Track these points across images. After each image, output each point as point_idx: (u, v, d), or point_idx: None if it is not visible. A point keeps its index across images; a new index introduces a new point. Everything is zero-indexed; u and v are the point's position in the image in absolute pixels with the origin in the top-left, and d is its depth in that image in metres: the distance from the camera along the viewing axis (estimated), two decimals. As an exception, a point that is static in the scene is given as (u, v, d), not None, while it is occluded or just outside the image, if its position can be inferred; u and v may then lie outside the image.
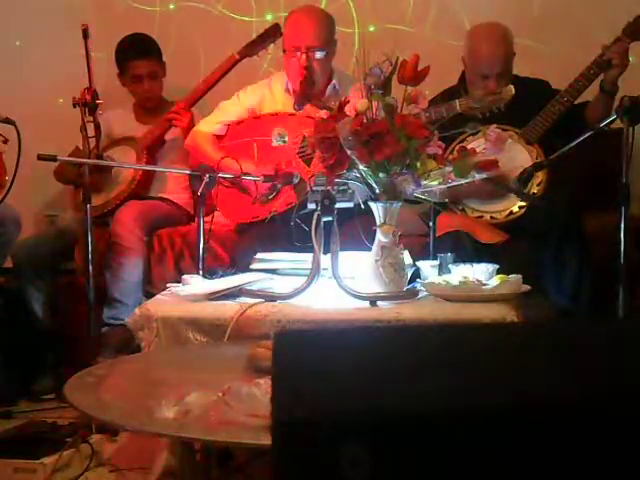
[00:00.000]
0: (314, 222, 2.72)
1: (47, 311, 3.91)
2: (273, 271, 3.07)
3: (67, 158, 3.85)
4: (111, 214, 3.90)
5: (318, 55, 3.63)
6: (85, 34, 3.44)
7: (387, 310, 2.67)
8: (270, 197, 3.54)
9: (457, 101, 3.25)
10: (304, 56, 3.61)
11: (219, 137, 3.79)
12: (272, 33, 3.96)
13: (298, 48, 3.62)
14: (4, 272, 3.94)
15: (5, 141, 3.28)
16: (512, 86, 3.14)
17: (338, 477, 0.86)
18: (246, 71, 4.10)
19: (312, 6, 3.76)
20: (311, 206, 2.76)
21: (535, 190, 3.41)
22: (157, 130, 4.09)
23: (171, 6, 4.57)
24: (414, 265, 2.97)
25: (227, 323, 2.65)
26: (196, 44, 4.48)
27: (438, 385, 0.93)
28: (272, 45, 3.98)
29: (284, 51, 3.67)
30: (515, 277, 2.81)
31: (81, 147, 4.02)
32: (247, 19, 4.37)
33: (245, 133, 3.71)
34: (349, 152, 2.64)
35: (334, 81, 3.70)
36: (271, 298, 2.76)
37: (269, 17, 4.29)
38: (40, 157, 3.38)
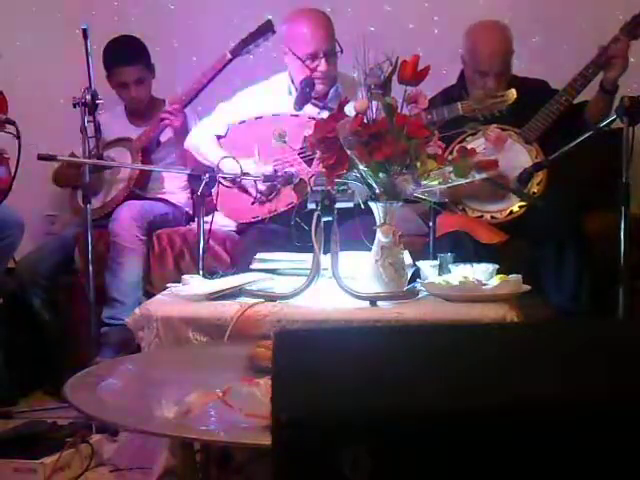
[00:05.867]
0: (314, 222, 2.72)
1: (47, 311, 3.92)
2: (273, 271, 3.07)
3: (67, 158, 3.85)
4: (109, 216, 3.91)
5: (334, 59, 3.63)
6: (85, 34, 3.44)
7: (387, 310, 2.67)
8: (270, 197, 3.55)
9: (459, 103, 3.25)
10: (323, 61, 3.60)
11: (219, 137, 3.79)
12: (265, 30, 3.95)
13: (316, 54, 3.61)
14: (6, 273, 3.94)
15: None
16: (514, 89, 3.15)
17: (338, 477, 0.86)
18: (245, 71, 4.10)
19: (315, 9, 3.74)
20: (311, 206, 2.76)
21: (535, 190, 3.41)
22: (151, 131, 4.09)
23: (172, 6, 4.57)
24: (414, 265, 2.97)
25: (227, 323, 2.65)
26: (191, 42, 4.48)
27: (438, 385, 0.93)
28: (265, 43, 3.97)
29: (299, 58, 3.63)
30: (515, 277, 2.81)
31: (77, 153, 4.04)
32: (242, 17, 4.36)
33: (246, 133, 3.71)
34: (349, 152, 2.64)
35: (337, 83, 3.70)
36: (271, 298, 2.76)
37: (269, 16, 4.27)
38: (40, 157, 3.38)
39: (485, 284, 2.79)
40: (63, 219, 4.43)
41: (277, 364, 1.00)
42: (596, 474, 0.91)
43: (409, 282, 2.85)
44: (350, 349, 1.04)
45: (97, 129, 3.58)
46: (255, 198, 3.58)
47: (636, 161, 3.23)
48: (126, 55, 4.10)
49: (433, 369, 0.98)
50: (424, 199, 2.83)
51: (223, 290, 2.81)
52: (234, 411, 1.85)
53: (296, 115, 3.58)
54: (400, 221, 2.80)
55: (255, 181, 3.52)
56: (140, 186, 4.07)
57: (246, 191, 3.61)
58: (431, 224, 3.31)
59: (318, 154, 2.76)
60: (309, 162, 3.46)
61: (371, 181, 2.71)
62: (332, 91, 3.69)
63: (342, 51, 3.60)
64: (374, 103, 2.69)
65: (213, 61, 4.03)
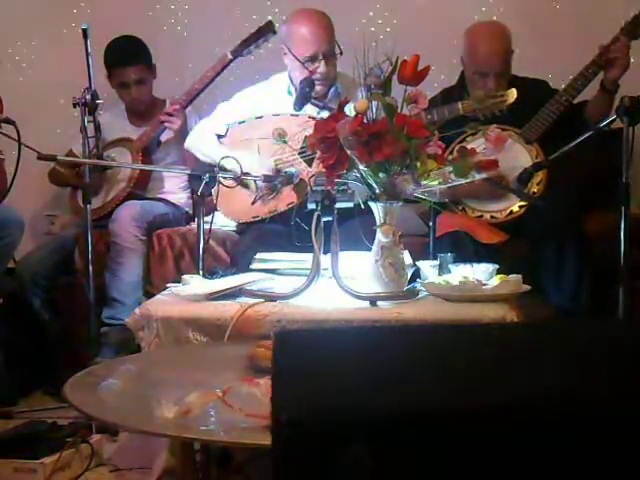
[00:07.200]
0: (314, 222, 2.72)
1: (47, 311, 3.92)
2: (273, 271, 3.07)
3: (67, 158, 3.85)
4: (109, 216, 3.91)
5: (334, 60, 3.63)
6: (85, 34, 3.44)
7: (387, 310, 2.67)
8: (269, 198, 3.55)
9: (460, 103, 3.25)
10: (323, 63, 3.59)
11: (219, 137, 3.79)
12: (265, 31, 3.95)
13: (315, 56, 3.60)
14: (6, 273, 3.94)
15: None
16: (514, 89, 3.15)
17: (338, 477, 0.86)
18: (245, 71, 4.10)
19: (314, 10, 3.73)
20: (311, 206, 2.76)
21: (535, 189, 3.41)
22: (151, 132, 4.10)
23: (172, 6, 4.57)
24: (414, 265, 2.97)
25: (227, 323, 2.65)
26: (191, 42, 4.48)
27: (438, 385, 0.93)
28: (265, 43, 3.97)
29: (298, 60, 3.62)
30: (515, 277, 2.81)
31: (75, 150, 4.05)
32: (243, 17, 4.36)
33: (246, 133, 3.71)
34: (349, 152, 2.64)
35: (337, 84, 3.69)
36: (271, 298, 2.76)
37: (269, 17, 4.28)
38: (40, 157, 3.38)
39: (485, 284, 2.79)
40: (63, 219, 4.43)
41: (277, 364, 1.00)
42: (596, 474, 0.91)
43: (409, 282, 2.85)
44: (350, 349, 1.04)
45: (97, 129, 3.58)
46: (256, 197, 3.58)
47: (636, 161, 3.23)
48: (127, 55, 4.11)
49: (433, 369, 0.98)
50: (424, 199, 2.83)
51: (223, 290, 2.81)
52: (234, 411, 1.85)
53: (296, 115, 3.58)
54: (400, 221, 2.80)
55: (255, 181, 3.52)
56: (140, 186, 4.07)
57: (248, 187, 3.60)
58: (431, 224, 3.31)
59: (318, 154, 2.75)
60: (309, 162, 3.46)
61: (371, 181, 2.71)
62: (332, 91, 3.69)
63: (342, 53, 3.60)
64: (374, 103, 2.69)
65: (214, 61, 4.04)
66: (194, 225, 3.52)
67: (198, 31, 4.51)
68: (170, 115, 4.01)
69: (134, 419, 2.00)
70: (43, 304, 3.91)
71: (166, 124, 4.04)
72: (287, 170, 3.50)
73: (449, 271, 2.91)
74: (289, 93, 3.72)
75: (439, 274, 2.92)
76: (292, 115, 3.60)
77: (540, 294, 3.26)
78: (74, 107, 3.45)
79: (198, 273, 3.09)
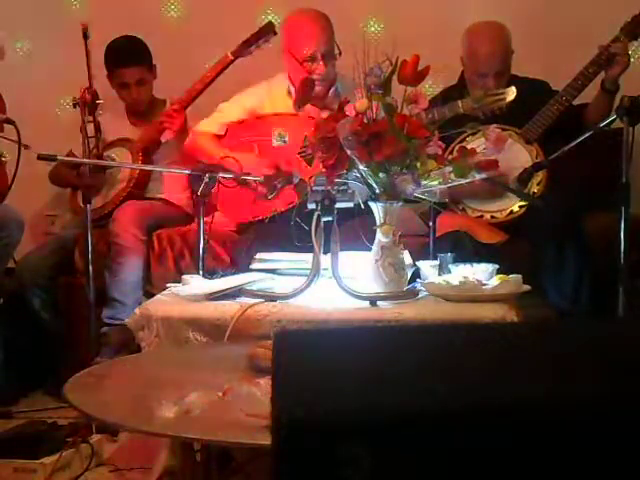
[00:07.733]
0: (314, 222, 2.72)
1: (47, 311, 3.92)
2: (273, 271, 3.07)
3: (67, 158, 3.85)
4: (109, 216, 3.91)
5: (333, 60, 3.62)
6: (85, 34, 3.44)
7: (387, 310, 2.67)
8: (270, 197, 3.55)
9: (459, 101, 3.26)
10: (321, 63, 3.59)
11: (219, 137, 3.79)
12: (266, 32, 3.95)
13: (314, 56, 3.60)
14: (6, 273, 3.94)
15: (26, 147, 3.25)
16: (514, 87, 3.15)
17: (338, 477, 0.86)
18: (245, 71, 4.10)
19: (314, 10, 3.73)
20: (311, 206, 2.76)
21: (535, 189, 3.41)
22: (151, 132, 4.09)
23: (172, 6, 4.58)
24: (414, 265, 2.97)
25: (227, 323, 2.65)
26: (192, 43, 4.48)
27: (438, 385, 0.93)
28: (266, 44, 3.98)
29: (296, 60, 3.62)
30: (515, 277, 2.80)
31: (74, 151, 4.05)
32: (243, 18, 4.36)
33: (246, 133, 3.71)
34: (349, 152, 2.64)
35: (337, 84, 3.70)
36: (271, 298, 2.76)
37: (269, 18, 4.28)
38: (40, 157, 3.38)
39: (485, 284, 2.79)
40: (63, 219, 4.44)
41: (277, 364, 1.00)
42: (596, 475, 0.91)
43: (409, 282, 2.85)
44: (350, 349, 1.04)
45: (97, 129, 3.58)
46: (256, 197, 3.58)
47: (636, 161, 3.23)
48: (127, 56, 4.10)
49: (433, 369, 0.98)
50: (424, 199, 2.83)
51: (223, 290, 2.81)
52: (234, 411, 1.85)
53: (296, 115, 3.58)
54: (400, 221, 2.80)
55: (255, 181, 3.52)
56: (140, 186, 4.07)
57: (248, 185, 3.60)
58: (431, 224, 3.31)
59: (318, 154, 2.75)
60: (309, 162, 3.45)
61: (371, 181, 2.71)
62: (332, 91, 3.69)
63: (341, 53, 3.60)
64: (374, 103, 2.69)
65: (214, 62, 4.04)
66: (194, 225, 3.52)
67: (199, 31, 4.51)
68: (170, 115, 4.01)
69: (134, 419, 2.00)
70: (43, 304, 3.91)
71: (166, 124, 4.03)
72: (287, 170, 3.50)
73: (449, 271, 2.90)
74: (289, 93, 3.72)
75: (439, 274, 2.92)
76: (292, 115, 3.60)
77: (540, 294, 3.26)
78: (74, 107, 3.45)
79: (198, 273, 3.09)
